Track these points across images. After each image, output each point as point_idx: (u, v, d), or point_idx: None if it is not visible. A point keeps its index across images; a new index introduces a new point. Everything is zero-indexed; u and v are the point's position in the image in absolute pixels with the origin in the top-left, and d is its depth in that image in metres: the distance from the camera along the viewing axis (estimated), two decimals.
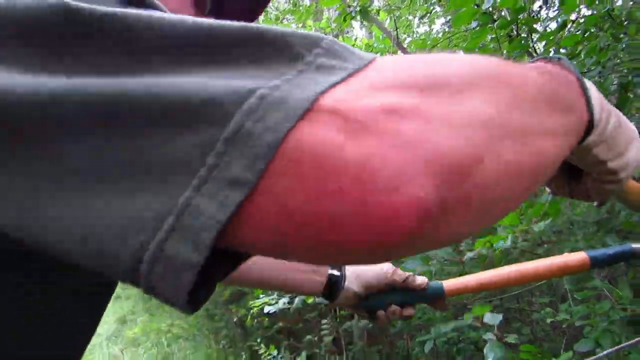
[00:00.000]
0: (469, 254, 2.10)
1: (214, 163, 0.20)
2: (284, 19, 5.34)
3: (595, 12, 2.45)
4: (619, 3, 3.04)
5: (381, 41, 3.46)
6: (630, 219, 2.21)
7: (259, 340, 5.66)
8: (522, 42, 2.06)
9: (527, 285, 3.01)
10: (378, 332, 5.88)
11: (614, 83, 2.13)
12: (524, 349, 1.81)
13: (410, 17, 5.74)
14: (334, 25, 4.41)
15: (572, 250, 2.42)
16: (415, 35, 5.76)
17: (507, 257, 2.40)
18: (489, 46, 2.17)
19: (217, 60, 0.23)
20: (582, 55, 2.78)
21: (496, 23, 1.80)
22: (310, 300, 2.81)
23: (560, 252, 2.63)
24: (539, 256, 2.77)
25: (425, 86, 0.23)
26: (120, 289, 11.35)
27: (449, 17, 5.35)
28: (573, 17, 2.73)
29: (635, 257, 0.92)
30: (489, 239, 1.84)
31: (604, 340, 1.76)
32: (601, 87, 2.16)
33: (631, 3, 2.68)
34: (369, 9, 2.92)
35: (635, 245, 0.91)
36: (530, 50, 2.31)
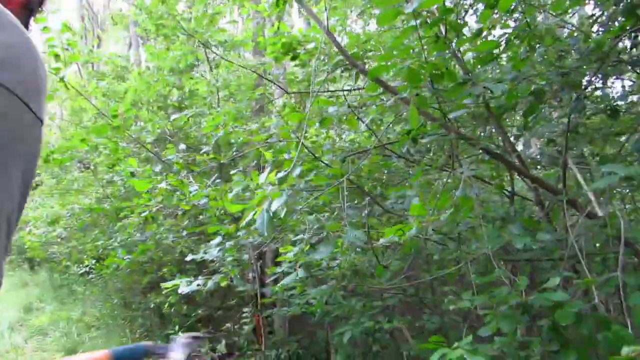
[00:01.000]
0: (382, 240, 2.15)
1: None
2: None
3: (515, 25, 2.61)
4: (540, 19, 3.26)
5: (316, 30, 3.45)
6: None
7: (177, 328, 5.50)
8: (446, 43, 2.13)
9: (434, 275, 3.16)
10: (298, 322, 5.93)
11: (532, 90, 2.29)
12: (433, 340, 1.85)
13: (348, 11, 5.80)
14: (269, 10, 4.31)
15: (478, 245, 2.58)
16: (350, 31, 5.83)
17: (417, 246, 2.53)
18: (413, 45, 2.20)
19: None
20: (503, 61, 2.93)
21: (419, 21, 1.83)
22: (223, 284, 2.82)
23: (469, 247, 2.74)
24: (448, 249, 2.90)
25: None
26: (29, 275, 10.47)
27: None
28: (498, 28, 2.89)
29: (149, 355, 1.25)
30: (401, 227, 1.89)
31: (504, 324, 1.85)
32: (513, 93, 2.33)
33: (550, 20, 2.88)
34: None
35: (148, 344, 1.26)
36: (453, 52, 2.44)
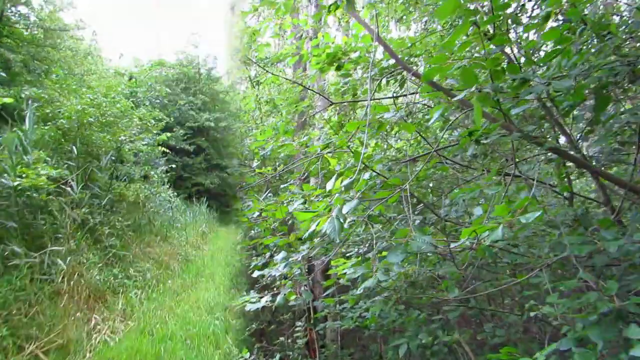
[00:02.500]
0: (453, 245, 2.04)
1: None
2: (259, 13, 5.27)
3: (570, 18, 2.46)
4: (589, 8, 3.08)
5: (361, 39, 3.43)
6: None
7: (230, 342, 5.55)
8: (502, 36, 2.06)
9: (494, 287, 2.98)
10: (351, 336, 5.84)
11: (596, 83, 2.14)
12: (505, 351, 1.74)
13: (387, 18, 5.77)
14: (311, 22, 4.33)
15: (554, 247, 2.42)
16: (390, 37, 5.77)
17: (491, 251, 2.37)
18: (469, 41, 2.13)
19: None
20: (559, 59, 2.78)
21: (478, 17, 1.75)
22: (292, 297, 2.79)
23: (541, 250, 2.59)
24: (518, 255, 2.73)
25: None
26: None
27: (425, 20, 5.37)
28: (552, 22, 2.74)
29: None
30: (475, 229, 1.73)
31: (594, 333, 1.70)
32: (581, 89, 2.17)
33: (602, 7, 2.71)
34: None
35: None
36: (510, 44, 2.32)
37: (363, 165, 2.42)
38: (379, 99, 3.37)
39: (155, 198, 13.05)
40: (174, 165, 14.44)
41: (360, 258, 2.80)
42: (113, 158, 9.38)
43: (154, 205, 12.49)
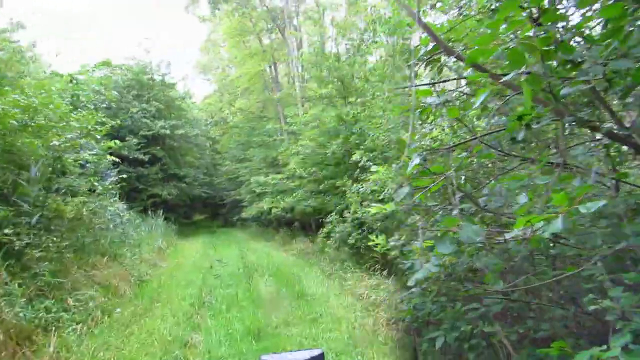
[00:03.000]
0: (509, 235, 1.88)
1: None
2: None
3: None
4: None
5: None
6: None
7: None
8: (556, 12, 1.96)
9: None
10: None
11: None
12: (556, 345, 1.84)
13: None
14: None
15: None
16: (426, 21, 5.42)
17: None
18: (516, 18, 1.92)
19: None
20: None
21: None
22: None
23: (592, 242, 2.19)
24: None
25: None
26: None
27: (461, 5, 5.00)
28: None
29: None
30: (530, 219, 1.67)
31: None
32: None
33: None
34: None
35: None
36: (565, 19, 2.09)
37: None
38: (418, 85, 3.10)
39: (103, 213, 11.76)
40: (124, 175, 13.09)
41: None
42: (50, 169, 8.17)
43: (101, 220, 11.22)
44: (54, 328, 5.32)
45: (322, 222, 14.58)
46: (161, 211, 18.92)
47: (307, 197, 14.02)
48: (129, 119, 20.92)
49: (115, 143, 12.15)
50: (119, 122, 17.63)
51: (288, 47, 22.04)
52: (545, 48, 1.92)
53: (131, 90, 22.70)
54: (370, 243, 6.18)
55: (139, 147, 20.48)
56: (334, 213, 11.32)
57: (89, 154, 10.47)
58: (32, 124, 7.02)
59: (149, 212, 18.32)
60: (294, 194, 14.87)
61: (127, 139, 20.13)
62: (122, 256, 10.29)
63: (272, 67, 24.06)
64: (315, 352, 1.36)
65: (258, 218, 21.30)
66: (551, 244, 2.73)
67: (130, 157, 19.99)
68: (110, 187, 11.82)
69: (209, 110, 36.91)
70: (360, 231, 9.47)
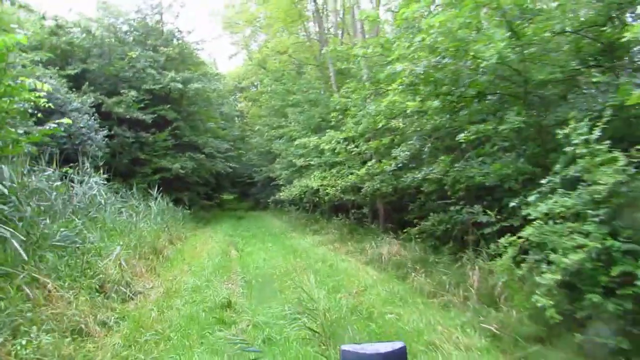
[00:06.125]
0: None
1: None
2: None
3: None
4: None
5: None
6: None
7: None
8: None
9: None
10: None
11: None
12: None
13: None
14: None
15: None
16: None
17: None
18: None
19: None
20: None
21: None
22: None
23: None
24: None
25: None
26: None
27: None
28: None
29: None
30: None
31: None
32: None
33: None
34: None
35: None
36: None
37: None
38: None
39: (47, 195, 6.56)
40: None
41: None
42: None
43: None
44: None
45: (412, 207, 9.03)
46: (159, 192, 13.60)
47: (428, 160, 7.84)
48: (127, 67, 15.59)
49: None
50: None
51: None
52: None
53: (131, 32, 17.35)
54: None
55: (142, 104, 15.23)
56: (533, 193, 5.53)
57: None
58: None
59: (155, 191, 13.17)
60: (385, 161, 8.83)
61: (122, 92, 14.86)
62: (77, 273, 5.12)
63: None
64: (398, 345, 1.27)
65: (300, 200, 15.84)
66: None
67: (128, 116, 14.73)
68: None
69: (235, 77, 31.72)
70: None
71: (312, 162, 13.44)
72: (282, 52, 19.39)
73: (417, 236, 8.24)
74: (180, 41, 18.45)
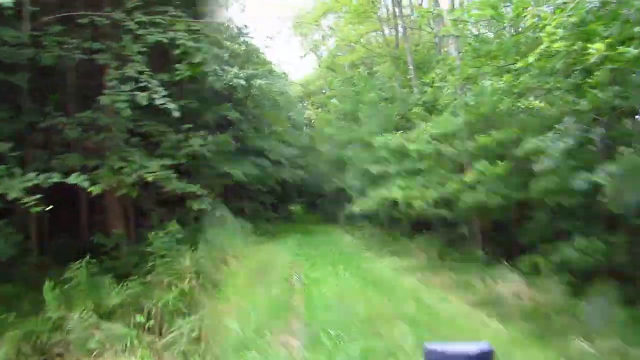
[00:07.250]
0: None
1: None
2: None
3: None
4: None
5: None
6: None
7: None
8: None
9: None
10: None
11: None
12: None
13: None
14: None
15: None
16: None
17: None
18: None
19: None
20: None
21: None
22: None
23: None
24: None
25: None
26: None
27: None
28: None
29: None
30: None
31: None
32: None
33: None
34: None
35: None
36: None
37: None
38: None
39: None
40: None
41: None
42: None
43: None
44: None
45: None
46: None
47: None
48: None
49: None
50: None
51: None
52: None
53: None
54: None
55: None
56: None
57: None
58: None
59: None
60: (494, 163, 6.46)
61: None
62: None
63: None
64: (485, 346, 1.17)
65: (374, 215, 13.66)
66: None
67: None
68: None
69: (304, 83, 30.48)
70: None
71: (389, 170, 11.31)
72: (355, 42, 17.51)
73: (552, 270, 5.82)
74: (245, 37, 17.09)
